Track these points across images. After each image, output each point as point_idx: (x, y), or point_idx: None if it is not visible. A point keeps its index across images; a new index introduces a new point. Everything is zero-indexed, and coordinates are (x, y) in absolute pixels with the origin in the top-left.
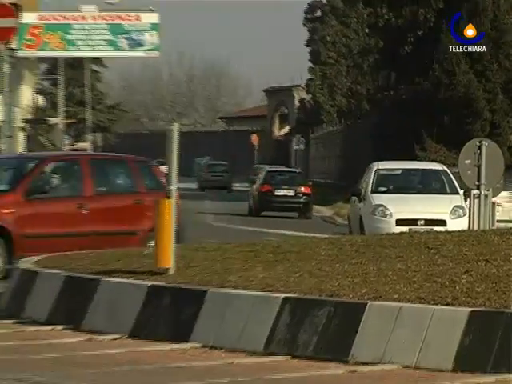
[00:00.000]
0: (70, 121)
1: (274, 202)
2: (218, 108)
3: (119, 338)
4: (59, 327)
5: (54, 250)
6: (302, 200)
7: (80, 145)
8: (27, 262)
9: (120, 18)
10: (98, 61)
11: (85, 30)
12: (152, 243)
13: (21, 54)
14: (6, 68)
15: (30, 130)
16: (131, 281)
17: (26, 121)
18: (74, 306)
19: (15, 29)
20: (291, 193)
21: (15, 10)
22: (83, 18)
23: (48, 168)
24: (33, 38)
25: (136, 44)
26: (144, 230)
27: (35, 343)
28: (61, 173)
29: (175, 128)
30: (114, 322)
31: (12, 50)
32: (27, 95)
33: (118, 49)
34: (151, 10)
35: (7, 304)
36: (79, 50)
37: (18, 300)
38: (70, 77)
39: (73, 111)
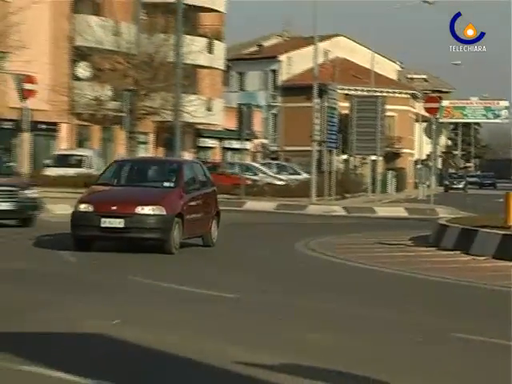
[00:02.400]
0: (456, 153)
1: None
2: None
3: (487, 258)
4: (457, 252)
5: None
6: None
7: (468, 164)
8: (442, 220)
9: (489, 103)
10: (477, 124)
11: (479, 109)
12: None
13: (441, 120)
14: (434, 130)
15: (444, 158)
16: (492, 231)
17: (443, 153)
18: (462, 241)
19: (439, 108)
20: None
21: (439, 98)
22: (472, 102)
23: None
24: (446, 112)
25: (497, 115)
26: None
27: (439, 259)
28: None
29: None
30: (484, 250)
31: (436, 118)
32: (443, 140)
33: (487, 118)
34: (506, 100)
35: (432, 240)
36: (468, 118)
37: (436, 238)
38: (464, 131)
39: (464, 149)
